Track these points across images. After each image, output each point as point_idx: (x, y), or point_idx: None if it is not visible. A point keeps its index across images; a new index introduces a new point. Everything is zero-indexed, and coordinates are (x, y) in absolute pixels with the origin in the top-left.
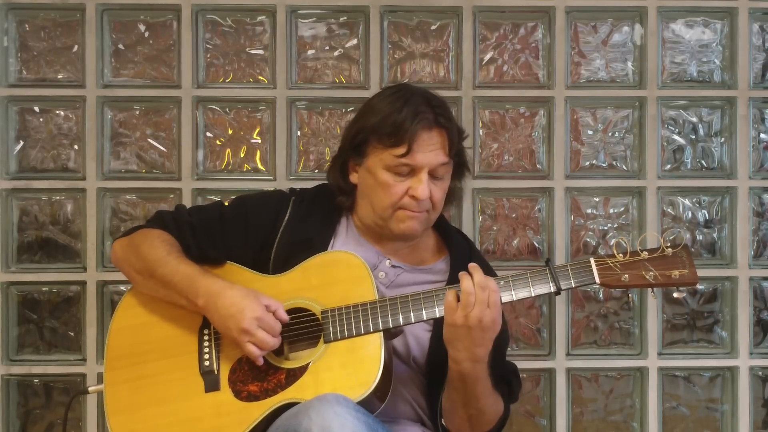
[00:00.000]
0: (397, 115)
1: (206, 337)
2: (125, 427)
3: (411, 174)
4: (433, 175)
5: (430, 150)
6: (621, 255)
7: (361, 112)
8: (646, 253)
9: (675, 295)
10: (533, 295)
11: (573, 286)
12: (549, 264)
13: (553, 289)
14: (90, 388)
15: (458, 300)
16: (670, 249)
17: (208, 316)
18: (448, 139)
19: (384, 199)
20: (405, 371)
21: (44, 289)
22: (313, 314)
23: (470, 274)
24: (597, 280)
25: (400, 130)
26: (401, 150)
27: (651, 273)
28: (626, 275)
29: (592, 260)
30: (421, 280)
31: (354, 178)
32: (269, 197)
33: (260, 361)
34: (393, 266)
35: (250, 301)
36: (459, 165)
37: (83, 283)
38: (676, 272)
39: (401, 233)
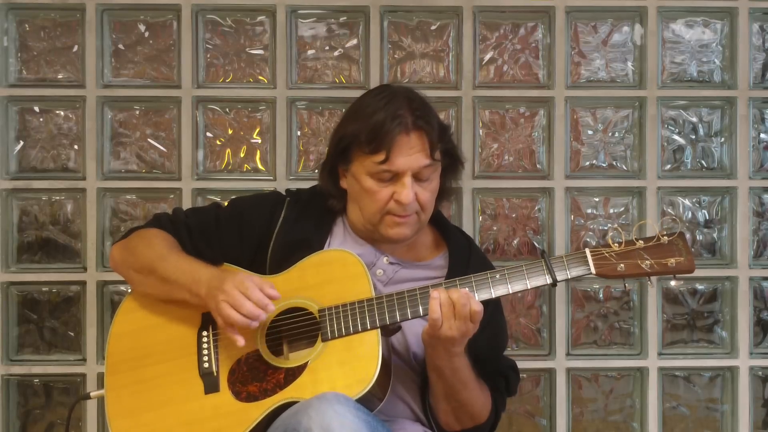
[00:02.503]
0: (375, 120)
1: (205, 339)
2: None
3: (394, 179)
4: (418, 177)
5: (409, 154)
6: (616, 245)
7: (344, 117)
8: (642, 242)
9: (672, 283)
10: (529, 287)
11: (569, 277)
12: (544, 255)
13: (549, 280)
14: (92, 394)
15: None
16: (666, 237)
17: (209, 304)
18: (428, 141)
19: (370, 206)
20: (404, 369)
21: (44, 289)
22: (311, 313)
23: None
24: (593, 270)
25: (378, 136)
26: (380, 157)
27: (647, 262)
28: (622, 265)
29: (587, 251)
30: (420, 276)
31: (344, 183)
32: (264, 198)
33: (240, 342)
34: (391, 263)
35: (239, 273)
36: (450, 162)
37: (83, 283)
38: (673, 260)
39: (390, 238)
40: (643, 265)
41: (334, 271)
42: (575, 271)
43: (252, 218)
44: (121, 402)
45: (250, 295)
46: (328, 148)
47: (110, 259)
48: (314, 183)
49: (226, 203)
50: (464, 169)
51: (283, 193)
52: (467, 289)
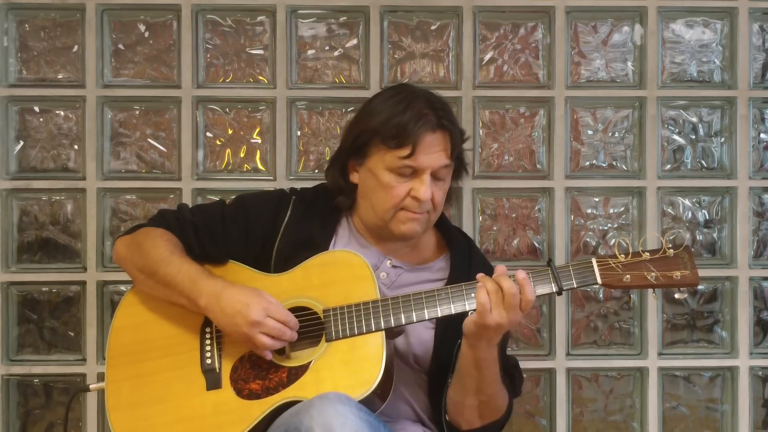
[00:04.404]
0: (401, 117)
1: (208, 335)
2: (126, 425)
3: (413, 175)
4: (434, 176)
5: (433, 152)
6: (623, 255)
7: (362, 112)
8: (648, 253)
9: (676, 296)
10: (536, 294)
11: (575, 286)
12: (551, 264)
13: (554, 289)
14: (91, 386)
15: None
16: (671, 250)
17: (211, 317)
18: (451, 142)
19: (385, 200)
20: (404, 370)
21: (44, 289)
22: (315, 313)
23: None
24: (599, 280)
25: (404, 131)
26: (405, 152)
27: (653, 274)
28: (628, 276)
29: (593, 260)
30: (422, 279)
31: (354, 178)
32: (270, 197)
33: (269, 356)
34: (394, 266)
35: (254, 295)
36: (458, 166)
37: (83, 283)
38: (678, 273)
39: (401, 234)
40: (649, 277)
41: (340, 272)
42: (581, 281)
43: (257, 216)
44: (121, 395)
45: (279, 319)
46: (342, 142)
47: (114, 252)
48: (316, 183)
49: (228, 201)
50: (469, 177)
51: (287, 191)
52: (474, 293)
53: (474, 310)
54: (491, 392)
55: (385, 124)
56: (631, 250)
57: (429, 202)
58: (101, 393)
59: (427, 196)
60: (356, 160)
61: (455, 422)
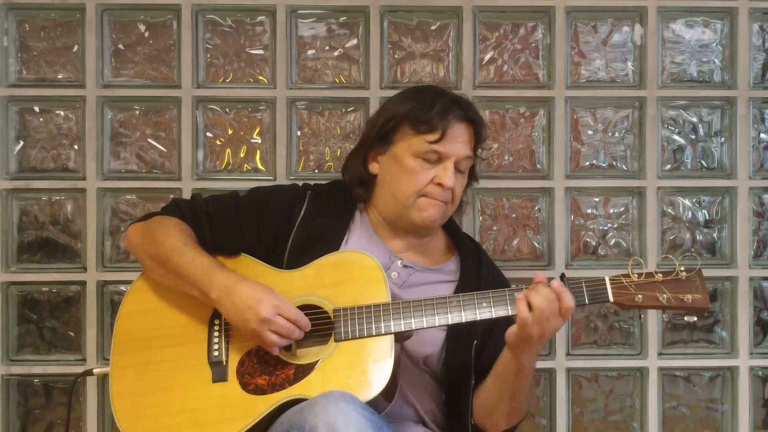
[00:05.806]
0: (431, 105)
1: (216, 327)
2: (129, 412)
3: (438, 162)
4: (456, 167)
5: (459, 141)
6: (636, 275)
7: (389, 103)
8: (661, 275)
9: (686, 318)
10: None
11: (586, 302)
12: (564, 279)
13: None
14: (94, 371)
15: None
16: (684, 273)
17: (222, 310)
18: (475, 135)
19: (408, 186)
20: (411, 370)
21: (44, 289)
22: (325, 312)
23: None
24: (611, 298)
25: (435, 116)
26: (434, 136)
27: (665, 295)
28: (640, 296)
29: (606, 279)
30: (433, 280)
31: (374, 168)
32: (285, 191)
33: (276, 351)
34: (405, 266)
35: (266, 292)
36: (470, 171)
37: (83, 283)
38: (689, 296)
39: (421, 221)
40: (661, 298)
41: (352, 273)
42: (593, 298)
43: (272, 211)
44: (125, 382)
45: (288, 318)
46: (366, 132)
47: (125, 239)
48: (315, 183)
49: (242, 193)
50: (477, 182)
51: (302, 186)
52: (492, 300)
53: (484, 319)
54: (523, 398)
55: (416, 109)
56: (645, 270)
57: (449, 191)
58: (103, 382)
59: (451, 182)
60: (379, 148)
61: (482, 425)
